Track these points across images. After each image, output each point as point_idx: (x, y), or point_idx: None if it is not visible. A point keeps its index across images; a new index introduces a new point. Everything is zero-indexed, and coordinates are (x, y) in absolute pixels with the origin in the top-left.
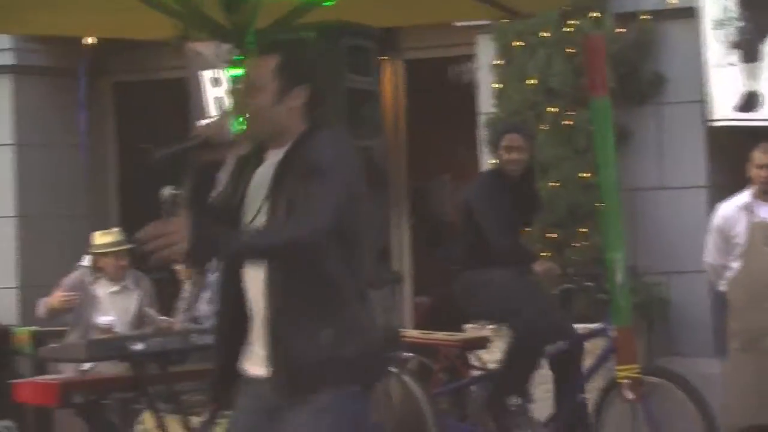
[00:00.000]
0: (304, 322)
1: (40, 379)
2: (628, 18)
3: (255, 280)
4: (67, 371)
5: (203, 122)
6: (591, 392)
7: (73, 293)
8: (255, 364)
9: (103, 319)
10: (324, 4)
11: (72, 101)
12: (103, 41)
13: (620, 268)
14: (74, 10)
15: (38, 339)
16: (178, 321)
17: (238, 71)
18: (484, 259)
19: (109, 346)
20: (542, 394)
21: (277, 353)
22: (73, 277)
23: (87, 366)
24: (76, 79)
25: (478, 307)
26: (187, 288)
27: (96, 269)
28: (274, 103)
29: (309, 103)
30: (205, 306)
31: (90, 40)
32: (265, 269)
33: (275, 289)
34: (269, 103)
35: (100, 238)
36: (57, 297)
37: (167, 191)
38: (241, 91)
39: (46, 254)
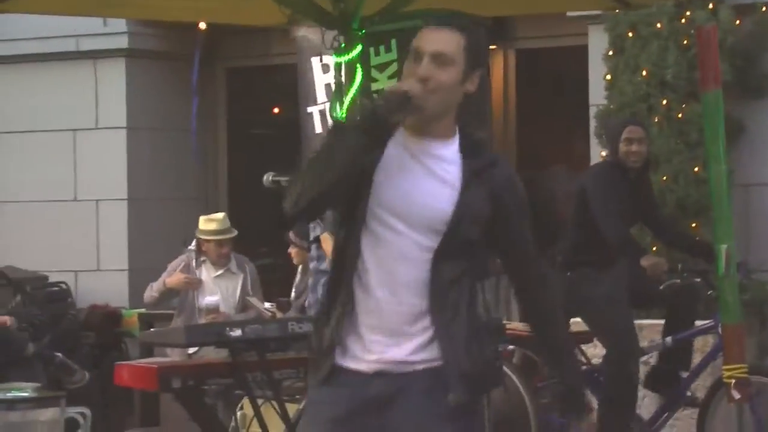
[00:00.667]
0: (467, 323)
1: (139, 362)
2: (746, 9)
3: (403, 275)
4: (174, 355)
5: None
6: (699, 391)
7: (191, 276)
8: (377, 353)
9: (209, 299)
10: None
11: (184, 86)
12: (216, 27)
13: (728, 259)
14: None
15: (146, 322)
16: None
17: (344, 58)
18: (593, 256)
19: (208, 332)
20: (647, 392)
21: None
22: (179, 260)
23: (192, 350)
24: (189, 64)
25: (574, 309)
26: (298, 276)
27: (200, 252)
28: (460, 82)
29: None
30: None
31: (203, 26)
32: (432, 268)
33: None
34: (456, 80)
35: (204, 224)
36: (177, 278)
37: (269, 177)
38: (427, 64)
39: (154, 238)
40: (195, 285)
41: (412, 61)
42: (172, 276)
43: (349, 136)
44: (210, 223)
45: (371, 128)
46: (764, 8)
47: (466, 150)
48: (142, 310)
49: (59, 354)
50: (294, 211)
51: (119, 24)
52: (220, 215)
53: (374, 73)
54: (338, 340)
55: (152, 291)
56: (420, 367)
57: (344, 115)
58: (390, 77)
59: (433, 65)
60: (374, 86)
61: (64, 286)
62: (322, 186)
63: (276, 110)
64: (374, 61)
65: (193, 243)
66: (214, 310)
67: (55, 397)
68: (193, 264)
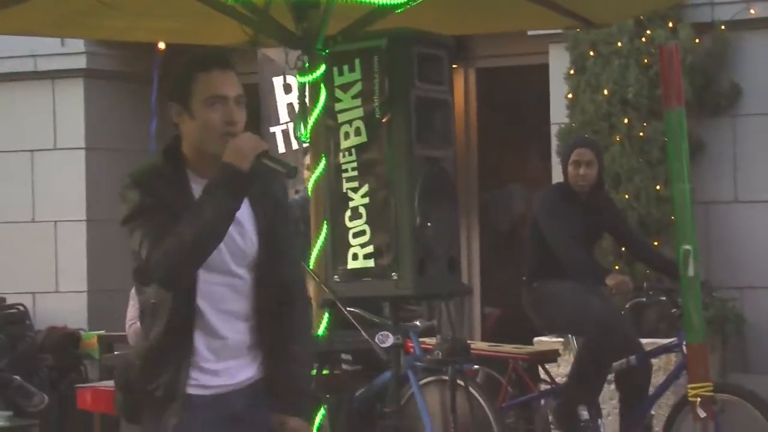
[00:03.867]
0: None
1: (102, 385)
2: (705, 28)
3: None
4: None
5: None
6: (662, 409)
7: None
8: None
9: None
10: (396, 11)
11: (143, 106)
12: (174, 47)
13: (692, 261)
14: (145, 16)
15: (106, 344)
16: None
17: (308, 78)
18: (553, 271)
19: None
20: (610, 409)
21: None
22: None
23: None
24: (148, 84)
25: (546, 318)
26: None
27: None
28: None
29: None
30: None
31: (162, 46)
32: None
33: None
34: None
35: None
36: None
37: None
38: (235, 108)
39: (113, 259)
40: None
41: (210, 106)
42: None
43: (228, 201)
44: None
45: (244, 190)
46: (723, 27)
47: None
48: (101, 332)
49: (17, 377)
50: (177, 277)
51: (77, 44)
52: None
53: (338, 93)
54: None
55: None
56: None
57: (306, 136)
58: (354, 97)
59: (237, 108)
60: (338, 106)
61: (21, 308)
62: (205, 253)
63: None
64: (338, 80)
65: None
66: None
67: (26, 425)
68: None
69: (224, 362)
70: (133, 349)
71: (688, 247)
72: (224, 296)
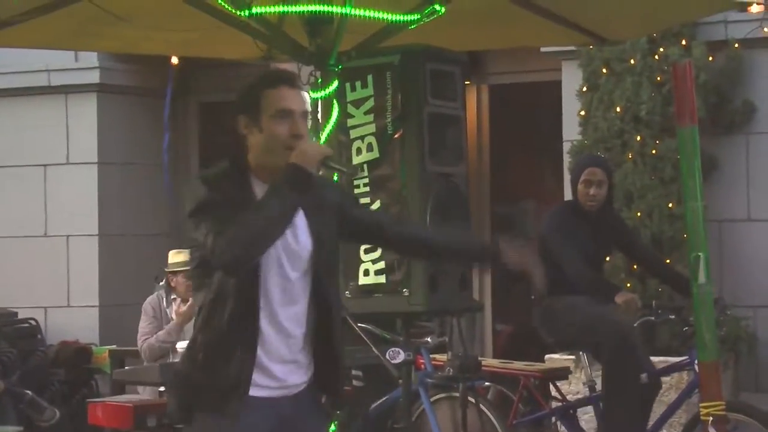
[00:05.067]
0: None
1: (114, 400)
2: (718, 46)
3: (298, 297)
4: (145, 393)
5: None
6: (674, 427)
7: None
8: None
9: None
10: (409, 27)
11: (155, 120)
12: (188, 61)
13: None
14: (158, 29)
15: (117, 358)
16: None
17: (321, 93)
18: (564, 287)
19: None
20: None
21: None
22: (153, 300)
23: (163, 388)
24: (160, 99)
25: (558, 332)
26: None
27: (170, 289)
28: None
29: None
30: None
31: (175, 60)
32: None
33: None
34: None
35: (173, 257)
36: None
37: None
38: (301, 122)
39: (125, 274)
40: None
41: (279, 120)
42: (178, 310)
43: (293, 196)
44: (178, 255)
45: (308, 187)
46: (737, 45)
47: None
48: (113, 347)
49: (29, 391)
50: (243, 262)
51: (91, 59)
52: (189, 249)
53: (350, 109)
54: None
55: (159, 340)
56: None
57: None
58: (366, 113)
59: (302, 122)
60: (350, 122)
61: (33, 322)
62: (269, 243)
63: None
64: (350, 96)
65: (164, 280)
66: None
67: None
68: (164, 303)
69: (279, 364)
70: (185, 353)
71: (700, 254)
72: (281, 298)
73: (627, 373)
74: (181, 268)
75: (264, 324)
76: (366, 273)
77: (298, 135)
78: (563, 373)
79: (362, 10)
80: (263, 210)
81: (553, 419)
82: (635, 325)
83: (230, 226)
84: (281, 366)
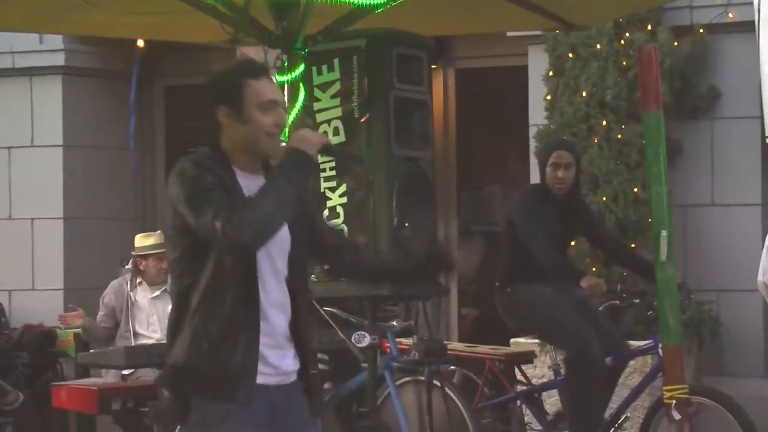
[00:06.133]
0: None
1: (78, 383)
2: (684, 31)
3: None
4: (108, 376)
5: None
6: (638, 411)
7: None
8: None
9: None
10: (376, 11)
11: (121, 104)
12: (154, 44)
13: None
14: (125, 13)
15: (82, 342)
16: None
17: (287, 77)
18: (528, 274)
19: (147, 353)
20: None
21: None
22: (116, 284)
23: (127, 372)
24: (126, 82)
25: (519, 321)
26: None
27: (137, 272)
28: None
29: None
30: None
31: (141, 43)
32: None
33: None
34: None
35: (142, 241)
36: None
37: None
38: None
39: (90, 257)
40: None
41: (265, 111)
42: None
43: (299, 178)
44: (147, 239)
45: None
46: (702, 30)
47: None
48: (78, 330)
49: None
50: (260, 242)
51: (56, 41)
52: (157, 232)
53: (317, 93)
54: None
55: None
56: None
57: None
58: (332, 97)
59: (284, 112)
60: (317, 106)
61: None
62: (280, 224)
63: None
64: (317, 80)
65: (130, 263)
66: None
67: (0, 423)
68: (128, 287)
69: (275, 350)
70: (181, 344)
71: (664, 232)
72: (272, 285)
73: (587, 367)
74: (151, 251)
75: (262, 310)
76: None
77: (280, 125)
78: (528, 357)
79: None
80: (272, 192)
81: (518, 403)
82: (600, 309)
83: (234, 209)
84: (276, 351)
